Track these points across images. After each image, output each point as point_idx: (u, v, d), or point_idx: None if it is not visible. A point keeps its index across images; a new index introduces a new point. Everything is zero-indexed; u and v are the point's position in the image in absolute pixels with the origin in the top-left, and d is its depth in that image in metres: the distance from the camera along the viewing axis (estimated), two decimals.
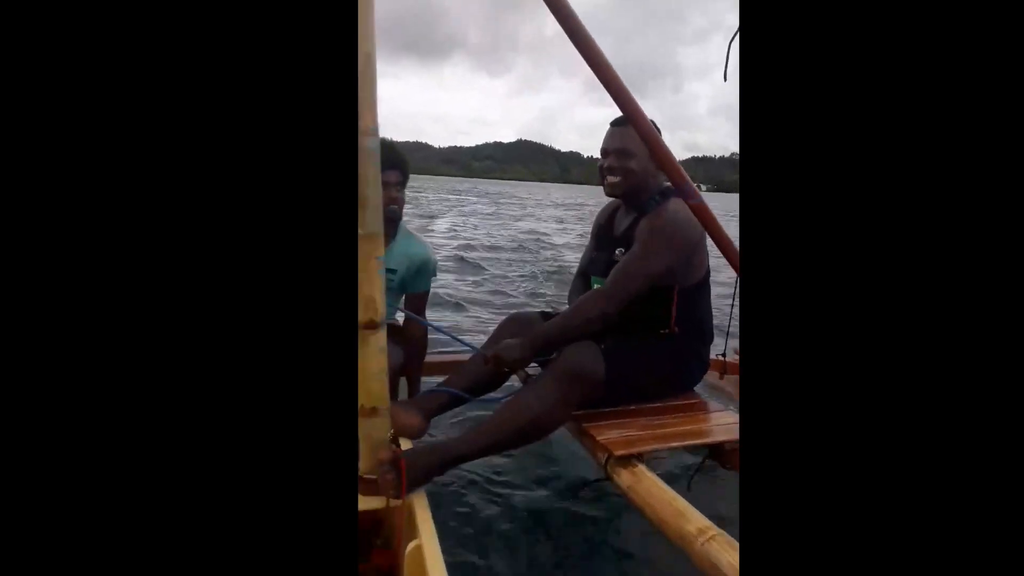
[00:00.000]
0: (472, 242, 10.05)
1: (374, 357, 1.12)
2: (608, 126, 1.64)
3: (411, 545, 1.11)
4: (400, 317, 1.92)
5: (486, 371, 1.62)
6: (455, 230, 12.25)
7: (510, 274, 7.13)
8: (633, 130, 1.29)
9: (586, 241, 1.94)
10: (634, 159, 1.57)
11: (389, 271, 1.74)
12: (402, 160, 1.67)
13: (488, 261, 7.96)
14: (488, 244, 10.00)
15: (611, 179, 1.61)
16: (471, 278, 6.54)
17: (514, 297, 5.74)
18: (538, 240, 11.15)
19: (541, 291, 6.07)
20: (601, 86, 0.98)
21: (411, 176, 1.78)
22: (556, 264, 7.94)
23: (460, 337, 1.86)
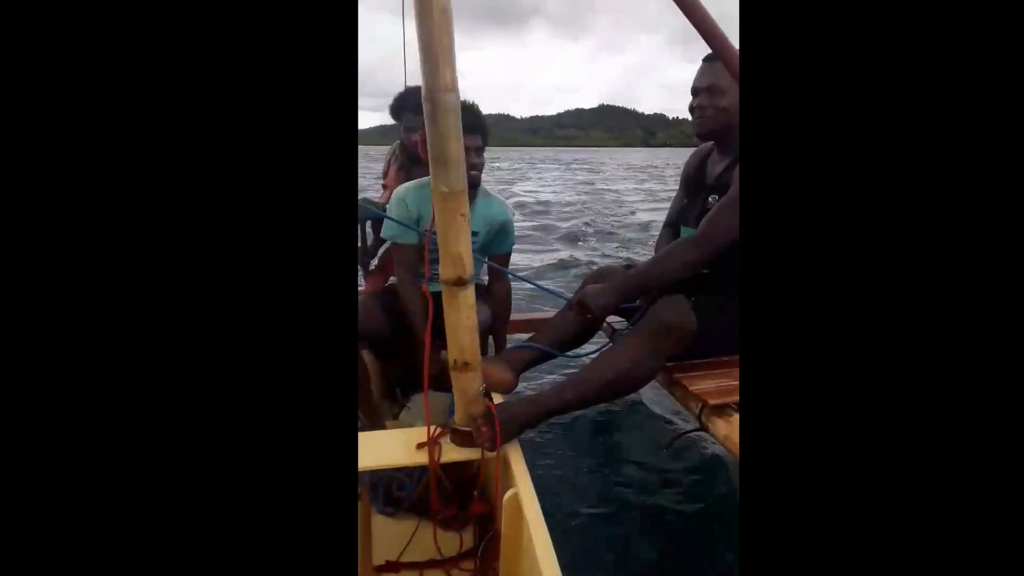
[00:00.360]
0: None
1: (464, 313, 1.14)
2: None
3: (508, 494, 1.14)
4: (484, 277, 1.95)
5: (573, 326, 1.62)
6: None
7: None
8: (724, 66, 1.22)
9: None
10: (725, 96, 1.46)
11: (472, 233, 1.76)
12: (483, 125, 1.66)
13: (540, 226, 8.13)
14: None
15: (701, 119, 1.51)
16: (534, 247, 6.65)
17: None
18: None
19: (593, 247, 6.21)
20: (687, 39, 0.92)
21: (493, 148, 1.77)
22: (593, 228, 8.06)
23: (547, 287, 1.87)
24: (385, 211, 1.87)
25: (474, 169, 1.63)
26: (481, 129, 1.63)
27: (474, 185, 1.74)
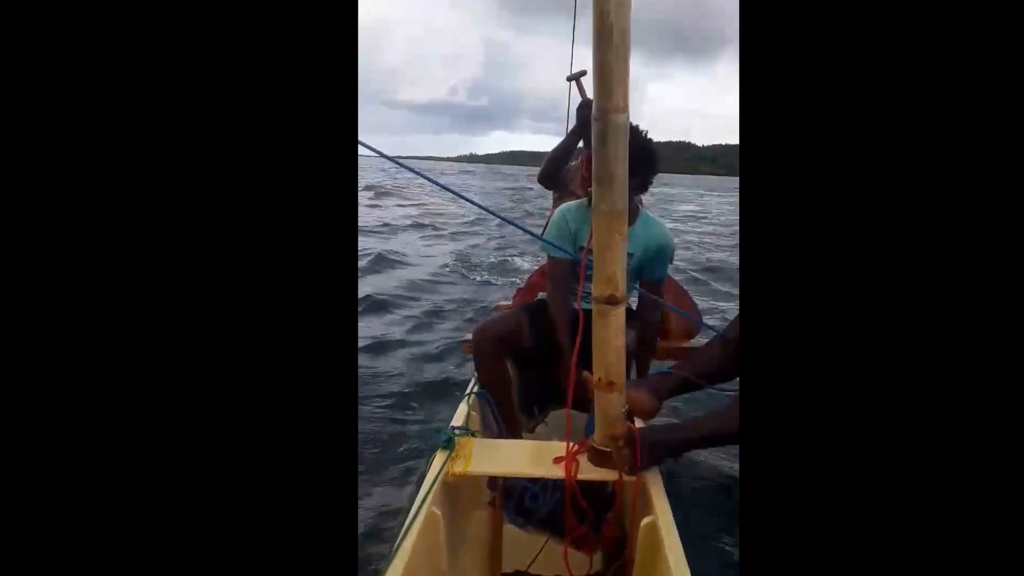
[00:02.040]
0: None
1: (613, 332, 1.14)
2: None
3: (645, 521, 1.11)
4: (634, 304, 1.93)
5: (723, 359, 1.55)
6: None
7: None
8: None
9: None
10: None
11: (627, 255, 1.75)
12: (645, 149, 1.64)
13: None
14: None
15: None
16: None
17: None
18: None
19: None
20: None
21: (672, 175, 1.76)
22: None
23: (701, 320, 1.81)
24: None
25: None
26: (641, 154, 1.61)
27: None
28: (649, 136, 1.65)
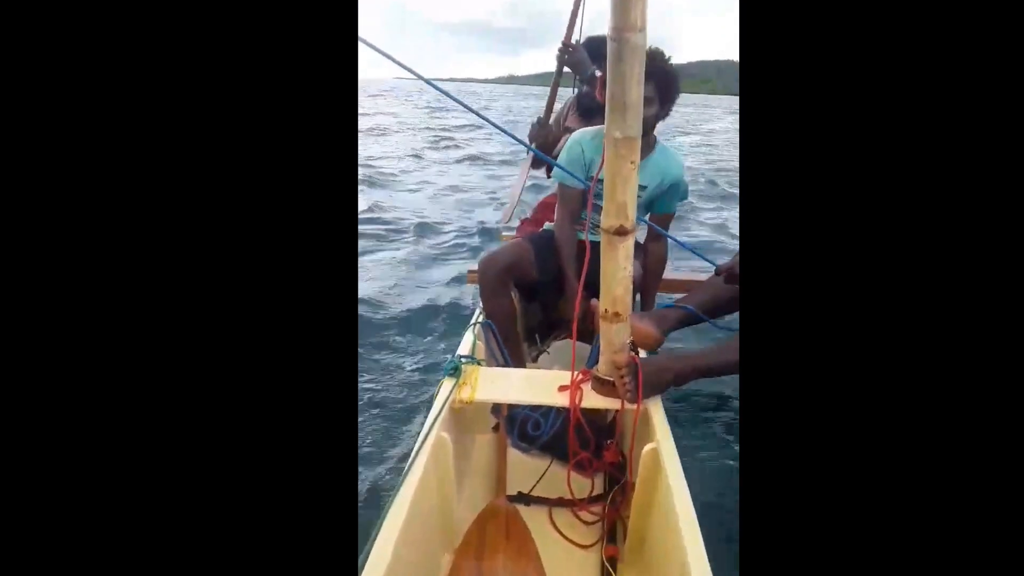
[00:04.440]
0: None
1: (621, 263, 1.13)
2: None
3: (647, 447, 1.14)
4: (641, 237, 1.91)
5: (726, 291, 1.55)
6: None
7: None
8: None
9: None
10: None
11: (639, 187, 1.71)
12: (664, 75, 1.56)
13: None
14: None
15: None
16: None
17: None
18: None
19: None
20: None
21: (721, 95, 1.69)
22: None
23: (704, 254, 1.80)
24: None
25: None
26: (657, 77, 1.55)
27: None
28: (669, 58, 1.58)
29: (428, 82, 1.34)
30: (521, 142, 1.62)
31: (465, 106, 1.41)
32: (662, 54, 1.56)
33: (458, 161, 9.41)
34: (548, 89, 2.38)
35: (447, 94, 1.40)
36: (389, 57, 1.12)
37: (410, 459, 1.06)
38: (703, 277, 1.96)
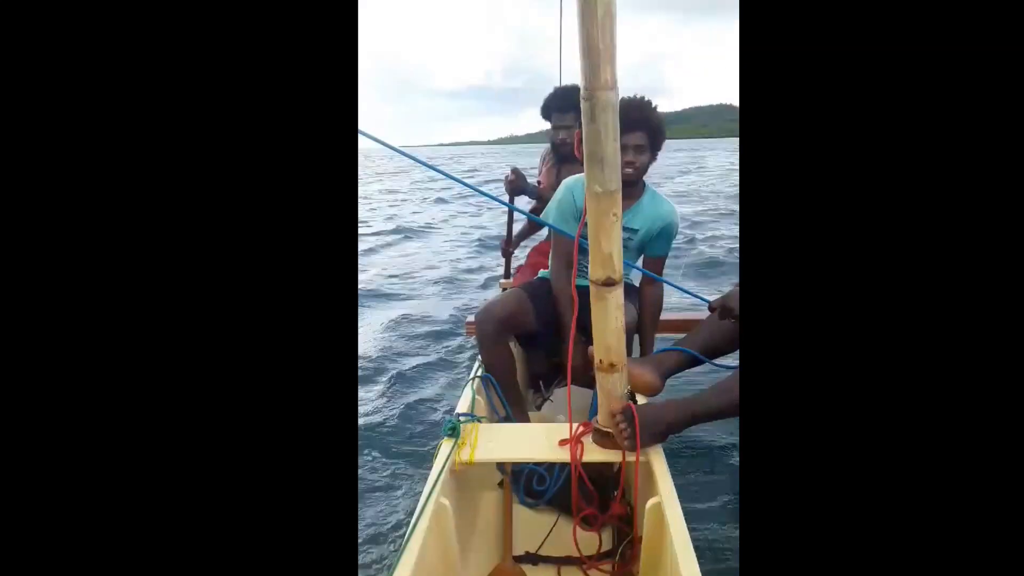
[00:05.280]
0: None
1: (611, 313, 1.13)
2: None
3: (651, 502, 1.11)
4: (636, 278, 1.91)
5: (725, 332, 1.54)
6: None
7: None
8: None
9: None
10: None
11: (630, 231, 1.72)
12: (650, 121, 1.59)
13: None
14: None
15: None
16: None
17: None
18: None
19: None
20: None
21: (711, 139, 1.73)
22: None
23: (695, 293, 1.79)
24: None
25: (630, 167, 1.59)
26: (647, 126, 1.58)
27: (628, 183, 1.70)
28: (654, 106, 1.62)
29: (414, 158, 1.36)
30: (504, 203, 1.64)
31: (450, 176, 1.43)
32: (649, 103, 1.60)
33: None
34: (541, 146, 2.49)
35: (435, 169, 1.43)
36: (382, 143, 1.14)
37: (410, 528, 1.04)
38: (699, 316, 1.95)
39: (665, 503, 1.08)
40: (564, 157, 2.29)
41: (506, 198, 2.19)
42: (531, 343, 1.92)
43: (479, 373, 1.69)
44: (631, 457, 1.19)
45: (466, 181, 1.62)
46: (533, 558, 1.42)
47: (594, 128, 0.95)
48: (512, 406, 1.68)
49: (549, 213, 1.76)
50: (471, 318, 1.99)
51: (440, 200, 12.42)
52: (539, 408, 1.95)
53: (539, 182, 2.44)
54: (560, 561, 1.40)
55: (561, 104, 2.18)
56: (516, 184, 2.29)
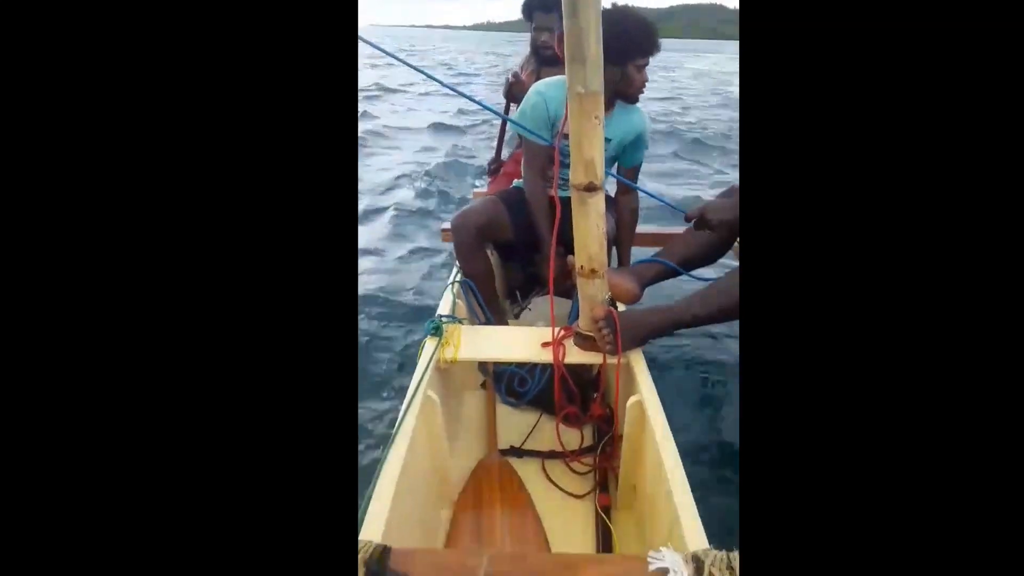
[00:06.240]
0: None
1: (593, 220, 1.13)
2: None
3: (632, 400, 1.16)
4: (611, 188, 1.90)
5: (702, 244, 1.57)
6: None
7: None
8: None
9: None
10: None
11: (604, 141, 1.69)
12: (658, 43, 1.53)
13: None
14: None
15: None
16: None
17: None
18: None
19: None
20: None
21: (698, 39, 1.65)
22: None
23: (672, 203, 1.80)
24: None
25: (643, 87, 1.57)
26: (657, 48, 1.53)
27: (632, 101, 1.65)
28: (638, 11, 1.56)
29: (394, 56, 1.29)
30: (499, 114, 1.57)
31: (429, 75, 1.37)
32: (628, 8, 1.53)
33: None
34: (519, 35, 2.38)
35: (417, 69, 1.36)
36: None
37: (399, 420, 1.07)
38: (677, 230, 1.97)
39: (646, 400, 1.14)
40: (546, 60, 2.14)
41: (493, 105, 2.09)
42: (508, 254, 1.92)
43: (458, 278, 1.69)
44: (612, 360, 1.24)
45: (458, 88, 1.54)
46: (518, 452, 1.49)
47: (576, 24, 0.91)
48: (492, 312, 1.70)
49: (520, 119, 1.70)
50: (447, 224, 1.97)
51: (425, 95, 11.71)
52: (517, 317, 1.98)
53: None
54: (544, 455, 1.48)
55: (544, 1, 2.04)
56: (521, 90, 2.12)
